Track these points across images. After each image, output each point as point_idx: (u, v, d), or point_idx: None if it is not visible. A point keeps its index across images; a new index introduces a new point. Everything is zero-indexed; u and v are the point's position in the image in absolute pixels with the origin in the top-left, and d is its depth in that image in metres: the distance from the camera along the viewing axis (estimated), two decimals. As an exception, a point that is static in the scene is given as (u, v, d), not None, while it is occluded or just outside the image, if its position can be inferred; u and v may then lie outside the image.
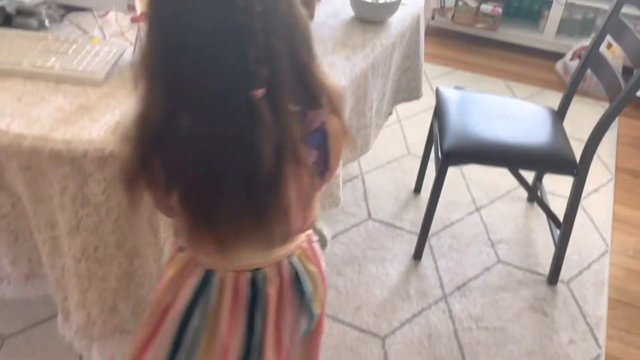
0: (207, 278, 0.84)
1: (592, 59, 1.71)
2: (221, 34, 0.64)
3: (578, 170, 1.59)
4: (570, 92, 1.80)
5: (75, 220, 1.01)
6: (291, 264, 0.88)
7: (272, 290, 0.85)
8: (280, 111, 0.68)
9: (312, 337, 1.00)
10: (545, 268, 1.83)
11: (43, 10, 1.30)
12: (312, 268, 0.91)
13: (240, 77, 0.65)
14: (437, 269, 1.81)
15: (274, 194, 0.72)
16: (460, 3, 3.14)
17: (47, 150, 0.96)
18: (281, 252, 0.86)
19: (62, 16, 1.34)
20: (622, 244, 1.96)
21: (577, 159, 1.60)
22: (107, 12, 1.38)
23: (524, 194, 2.14)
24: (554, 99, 2.80)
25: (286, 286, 0.87)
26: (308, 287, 0.90)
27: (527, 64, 3.12)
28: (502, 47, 3.19)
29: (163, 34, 0.67)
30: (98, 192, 1.00)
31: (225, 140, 0.68)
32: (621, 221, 2.06)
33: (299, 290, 0.89)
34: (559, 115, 1.82)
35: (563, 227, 1.69)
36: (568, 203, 1.66)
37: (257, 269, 0.84)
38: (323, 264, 0.94)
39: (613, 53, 2.76)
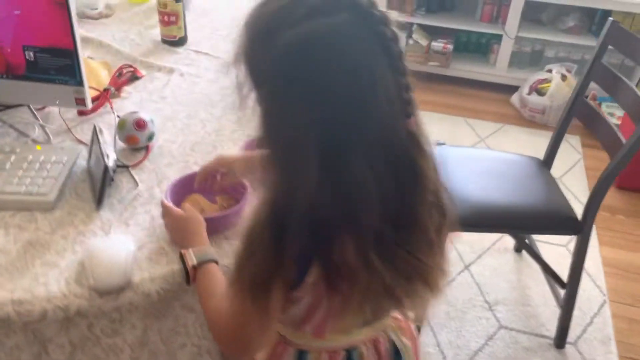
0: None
1: (577, 108, 1.63)
2: (381, 68, 0.59)
3: (582, 229, 1.49)
4: (556, 142, 1.72)
5: (33, 400, 0.78)
6: (389, 338, 0.83)
7: None
8: (425, 138, 0.65)
9: None
10: (548, 328, 1.72)
11: (-33, 112, 1.06)
12: (407, 341, 0.86)
13: (399, 109, 0.61)
14: (438, 344, 1.65)
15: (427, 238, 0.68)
16: (410, 42, 3.07)
17: (-9, 317, 0.73)
18: (379, 326, 0.81)
19: (-8, 115, 1.11)
20: (617, 290, 1.89)
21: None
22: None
23: (509, 243, 2.04)
24: (517, 134, 2.78)
25: None
26: None
27: (482, 98, 3.08)
28: (456, 83, 3.14)
29: (314, 94, 0.59)
30: (62, 360, 0.77)
31: (400, 176, 0.63)
32: (611, 265, 1.99)
33: None
34: (545, 165, 1.73)
35: (568, 289, 1.58)
36: (572, 263, 1.56)
37: (352, 347, 0.80)
38: (417, 336, 0.90)
39: (568, 85, 2.75)
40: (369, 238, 0.63)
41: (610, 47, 1.53)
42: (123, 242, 0.81)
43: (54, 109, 1.15)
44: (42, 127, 1.09)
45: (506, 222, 1.52)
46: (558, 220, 1.51)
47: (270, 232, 0.61)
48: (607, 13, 2.90)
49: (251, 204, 0.92)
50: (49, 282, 0.77)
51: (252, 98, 0.66)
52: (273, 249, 0.61)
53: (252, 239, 0.63)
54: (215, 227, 0.87)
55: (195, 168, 1.02)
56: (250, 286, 0.63)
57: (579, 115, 1.64)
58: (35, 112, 1.12)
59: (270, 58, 0.60)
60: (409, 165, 0.64)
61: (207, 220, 0.85)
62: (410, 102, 0.63)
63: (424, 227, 0.67)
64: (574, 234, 1.51)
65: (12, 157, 0.97)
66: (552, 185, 1.62)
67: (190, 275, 0.77)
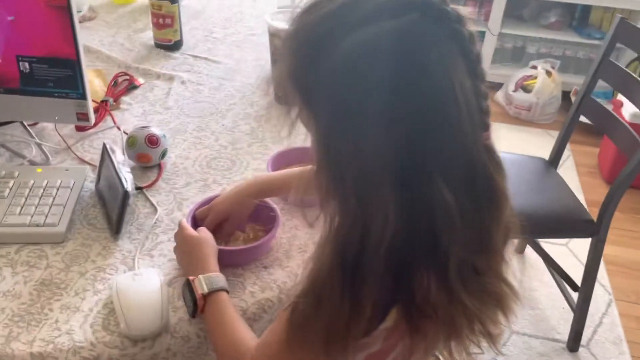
0: None
1: (585, 106, 1.60)
2: (460, 72, 0.52)
3: (598, 231, 1.46)
4: (563, 141, 1.68)
5: None
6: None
7: None
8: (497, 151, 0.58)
9: None
10: (560, 331, 1.69)
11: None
12: (447, 356, 0.77)
13: (478, 120, 0.54)
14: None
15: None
16: (393, 40, 3.01)
17: (9, 376, 0.63)
18: None
19: (-20, 135, 0.99)
20: (622, 289, 1.88)
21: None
22: (40, 120, 1.04)
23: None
24: (505, 132, 2.77)
25: None
26: None
27: (466, 96, 3.05)
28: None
29: (385, 108, 0.50)
30: (93, 419, 0.67)
31: (480, 197, 0.55)
32: (612, 263, 1.98)
33: None
34: (552, 165, 1.70)
35: (582, 293, 1.55)
36: (586, 266, 1.53)
37: None
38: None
39: (554, 81, 2.75)
40: (454, 270, 0.55)
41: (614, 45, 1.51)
42: (154, 278, 0.72)
43: (48, 125, 1.04)
44: (39, 145, 0.97)
45: (522, 228, 1.47)
46: (574, 223, 1.48)
47: (341, 275, 0.52)
48: (587, 8, 2.92)
49: (279, 235, 0.84)
50: (72, 329, 0.67)
51: (300, 116, 0.58)
52: (348, 295, 0.52)
53: (318, 284, 0.54)
54: (233, 260, 0.79)
55: (215, 187, 0.94)
56: (326, 341, 0.54)
57: (587, 115, 1.61)
58: (30, 129, 1.01)
59: (327, 70, 0.51)
60: (488, 184, 0.56)
61: (223, 252, 0.76)
62: (489, 112, 0.56)
63: (498, 248, 0.60)
64: (590, 236, 1.48)
65: (11, 183, 0.85)
66: (562, 186, 1.59)
67: (198, 306, 0.68)
